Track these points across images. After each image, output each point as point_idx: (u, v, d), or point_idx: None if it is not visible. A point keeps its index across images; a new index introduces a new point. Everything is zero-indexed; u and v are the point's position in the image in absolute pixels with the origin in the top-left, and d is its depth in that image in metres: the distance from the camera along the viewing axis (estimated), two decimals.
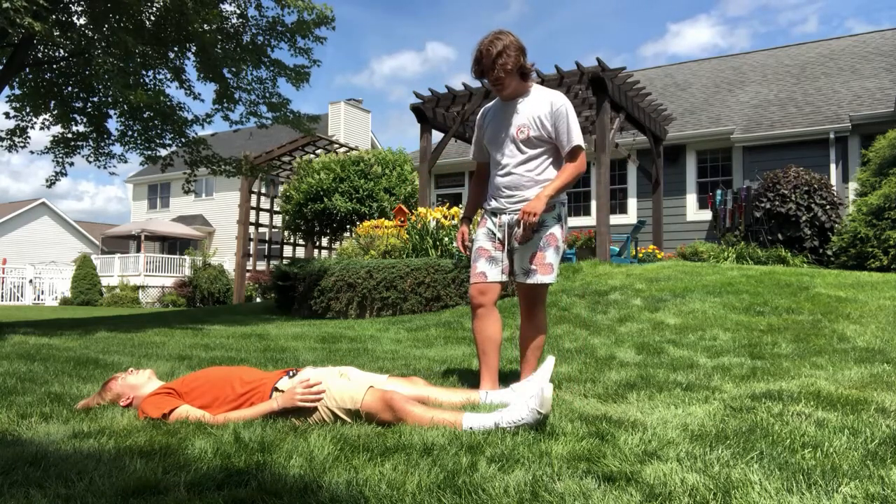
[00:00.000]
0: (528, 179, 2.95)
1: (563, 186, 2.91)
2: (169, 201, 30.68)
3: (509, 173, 2.97)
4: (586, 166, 3.02)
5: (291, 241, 15.72)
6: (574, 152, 2.93)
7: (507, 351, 4.44)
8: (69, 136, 8.68)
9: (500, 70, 2.85)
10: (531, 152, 2.95)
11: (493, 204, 3.05)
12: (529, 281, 2.93)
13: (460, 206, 8.44)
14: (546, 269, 2.92)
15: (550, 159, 2.98)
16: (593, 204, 14.14)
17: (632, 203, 14.23)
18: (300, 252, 16.50)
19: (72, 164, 8.87)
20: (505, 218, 2.99)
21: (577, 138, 2.91)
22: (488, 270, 2.98)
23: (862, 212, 9.22)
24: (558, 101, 2.94)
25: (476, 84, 9.81)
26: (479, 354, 3.01)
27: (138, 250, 25.81)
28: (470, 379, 3.31)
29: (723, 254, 10.30)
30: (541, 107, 2.94)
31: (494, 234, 3.01)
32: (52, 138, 8.65)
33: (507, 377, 3.30)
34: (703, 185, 13.52)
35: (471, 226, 3.23)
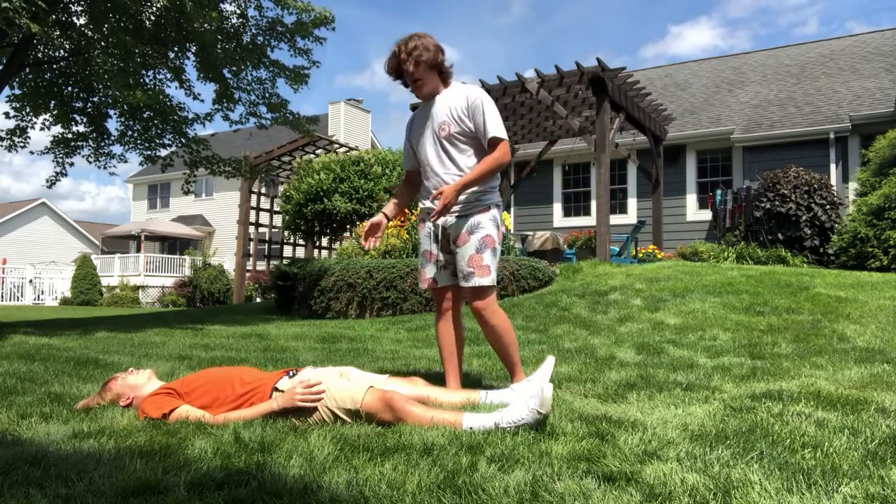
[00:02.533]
0: (459, 178, 2.89)
1: (481, 175, 2.84)
2: (169, 201, 30.68)
3: (437, 175, 2.93)
4: (510, 156, 2.91)
5: (291, 241, 15.71)
6: (493, 143, 2.86)
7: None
8: (69, 136, 8.68)
9: (413, 62, 2.81)
10: (454, 151, 2.91)
11: (428, 205, 3.00)
12: (468, 284, 2.87)
13: None
14: (483, 270, 2.84)
15: (476, 157, 2.93)
16: (593, 204, 14.14)
17: (632, 203, 14.23)
18: (300, 252, 16.49)
19: (72, 164, 8.87)
20: (440, 220, 2.95)
21: (495, 129, 2.85)
22: (438, 277, 2.99)
23: (862, 212, 9.21)
24: (473, 94, 2.89)
25: (475, 84, 9.81)
26: (443, 357, 3.03)
27: (138, 250, 25.81)
28: (470, 379, 3.31)
29: (723, 254, 10.30)
30: (457, 101, 2.90)
31: (436, 236, 2.98)
32: (52, 138, 8.65)
33: (507, 377, 3.30)
34: (703, 185, 13.52)
35: (386, 224, 3.07)
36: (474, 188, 2.87)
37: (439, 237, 2.96)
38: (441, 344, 3.03)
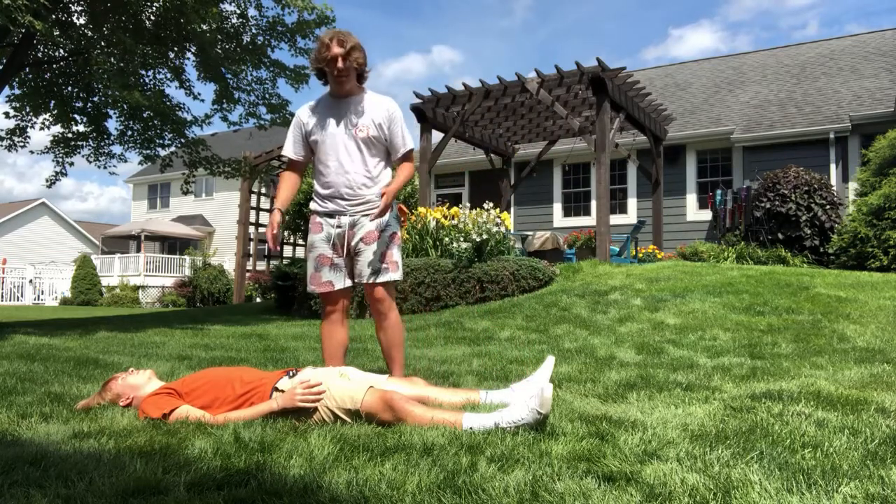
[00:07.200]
0: (368, 179, 3.03)
1: (403, 185, 3.06)
2: (169, 201, 30.66)
3: (348, 173, 3.02)
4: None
5: (291, 241, 15.72)
6: (408, 155, 3.11)
7: (508, 351, 4.44)
8: (69, 135, 8.69)
9: (354, 62, 2.95)
10: (367, 153, 3.04)
11: (331, 206, 3.05)
12: (382, 279, 3.02)
13: (461, 205, 8.43)
14: (394, 266, 3.06)
15: (384, 161, 3.11)
16: (593, 204, 14.14)
17: (632, 203, 14.22)
18: (300, 252, 16.49)
19: (72, 163, 8.88)
20: (345, 220, 3.02)
21: (411, 142, 3.12)
22: (335, 279, 3.05)
23: (862, 212, 9.21)
24: (393, 106, 3.08)
25: (476, 84, 9.81)
26: (325, 358, 3.09)
27: (138, 250, 25.80)
28: (470, 379, 3.30)
29: (723, 254, 10.30)
30: (378, 110, 3.04)
31: (332, 239, 3.04)
32: (52, 138, 8.66)
33: (507, 377, 3.30)
34: (703, 185, 13.52)
35: (283, 217, 3.14)
36: (381, 186, 3.08)
37: (343, 238, 3.02)
38: (326, 345, 3.10)
